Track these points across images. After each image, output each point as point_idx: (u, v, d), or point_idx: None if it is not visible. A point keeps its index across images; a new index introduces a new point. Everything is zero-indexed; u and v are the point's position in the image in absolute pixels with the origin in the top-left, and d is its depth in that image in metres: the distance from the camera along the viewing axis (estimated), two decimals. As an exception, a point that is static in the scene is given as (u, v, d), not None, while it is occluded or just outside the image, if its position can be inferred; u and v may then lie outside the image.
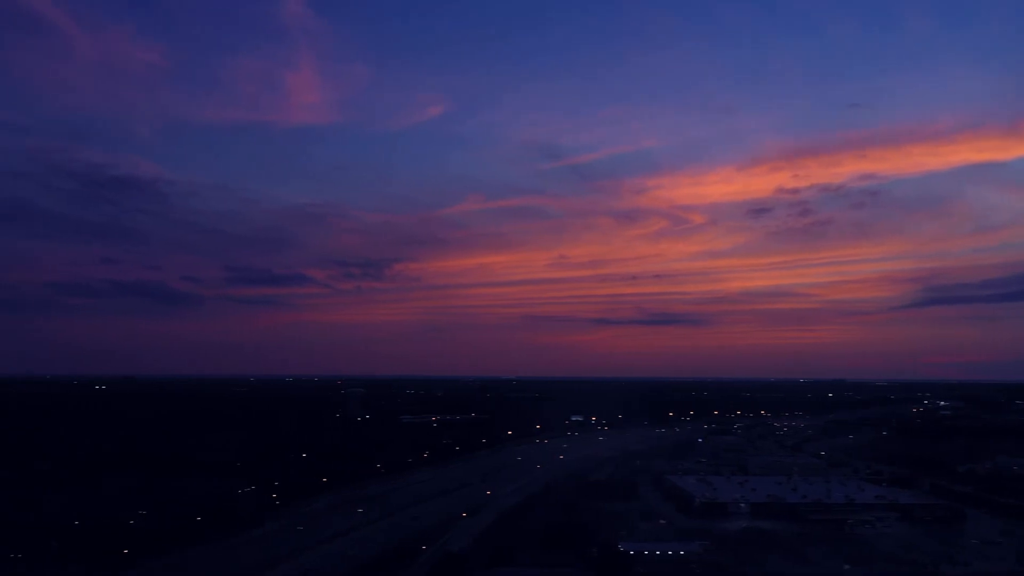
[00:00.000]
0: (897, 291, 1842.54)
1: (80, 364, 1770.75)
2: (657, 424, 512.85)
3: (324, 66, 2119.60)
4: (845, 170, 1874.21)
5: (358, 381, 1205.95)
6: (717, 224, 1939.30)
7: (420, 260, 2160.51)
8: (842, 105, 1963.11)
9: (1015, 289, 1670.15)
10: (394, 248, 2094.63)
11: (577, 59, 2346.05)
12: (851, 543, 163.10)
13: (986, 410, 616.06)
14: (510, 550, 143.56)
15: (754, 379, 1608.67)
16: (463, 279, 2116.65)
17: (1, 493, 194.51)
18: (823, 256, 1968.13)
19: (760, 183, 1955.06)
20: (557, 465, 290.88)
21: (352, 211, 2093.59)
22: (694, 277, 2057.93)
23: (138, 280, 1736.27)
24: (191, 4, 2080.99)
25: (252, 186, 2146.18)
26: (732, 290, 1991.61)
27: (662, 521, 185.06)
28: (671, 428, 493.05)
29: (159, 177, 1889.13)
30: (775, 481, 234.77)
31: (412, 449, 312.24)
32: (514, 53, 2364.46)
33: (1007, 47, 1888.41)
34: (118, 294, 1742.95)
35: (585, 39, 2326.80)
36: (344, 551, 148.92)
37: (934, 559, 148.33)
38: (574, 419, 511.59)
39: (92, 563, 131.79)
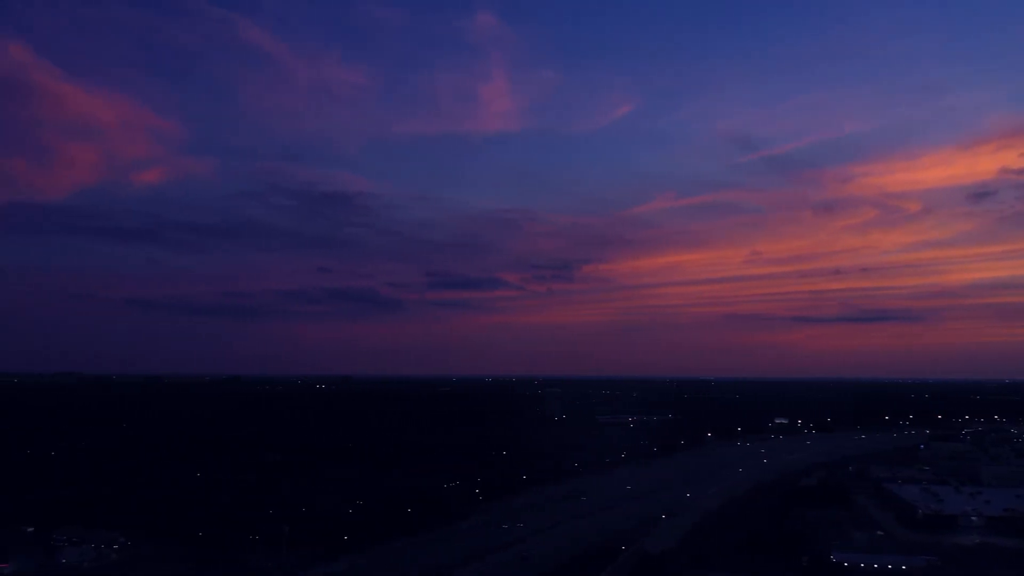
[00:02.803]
0: None
1: (303, 365, 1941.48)
2: (870, 428, 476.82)
3: (514, 74, 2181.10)
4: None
5: (554, 381, 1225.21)
6: (934, 211, 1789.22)
7: (611, 261, 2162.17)
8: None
9: None
10: (585, 249, 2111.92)
11: (770, 45, 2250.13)
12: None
13: None
14: (711, 555, 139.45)
15: (984, 380, 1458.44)
16: (655, 278, 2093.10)
17: (240, 481, 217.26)
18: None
19: (983, 164, 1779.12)
20: (761, 468, 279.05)
21: (543, 214, 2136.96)
22: (908, 270, 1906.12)
23: (350, 287, 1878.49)
24: (390, 26, 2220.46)
25: (449, 195, 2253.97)
26: (952, 283, 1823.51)
27: (880, 532, 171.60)
28: (887, 433, 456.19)
29: (364, 190, 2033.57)
30: (1014, 494, 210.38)
31: (609, 449, 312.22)
32: (704, 44, 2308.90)
33: None
34: (333, 300, 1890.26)
35: (777, 23, 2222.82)
36: (544, 548, 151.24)
37: None
38: (778, 421, 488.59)
39: (318, 548, 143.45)
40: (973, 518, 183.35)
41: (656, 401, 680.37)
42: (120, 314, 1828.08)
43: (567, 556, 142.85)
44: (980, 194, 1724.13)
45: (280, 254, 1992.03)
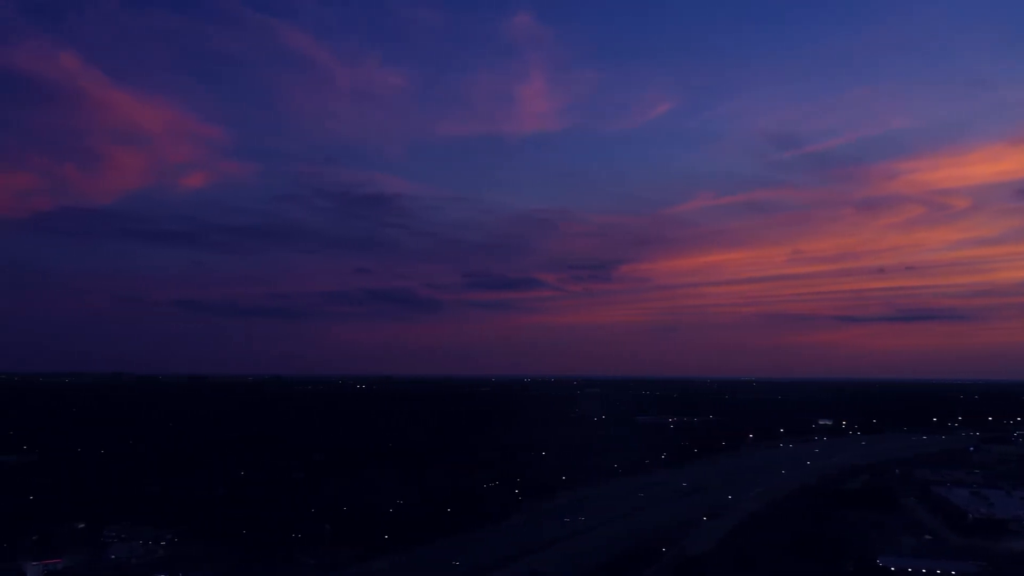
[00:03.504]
0: None
1: (344, 365, 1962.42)
2: (917, 430, 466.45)
3: (552, 74, 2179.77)
4: None
5: (593, 381, 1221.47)
6: (983, 208, 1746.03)
7: (649, 260, 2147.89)
8: None
9: None
10: (623, 249, 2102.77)
11: (812, 40, 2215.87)
12: None
13: None
14: (753, 558, 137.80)
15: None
16: (694, 278, 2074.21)
17: (283, 481, 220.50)
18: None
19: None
20: (805, 470, 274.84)
21: (581, 214, 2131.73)
22: (955, 268, 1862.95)
23: (389, 288, 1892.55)
24: (430, 29, 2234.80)
25: (487, 196, 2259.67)
26: (1003, 281, 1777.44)
27: (928, 536, 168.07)
28: (935, 434, 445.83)
29: (403, 192, 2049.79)
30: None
31: (649, 450, 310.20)
32: (743, 40, 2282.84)
33: None
34: (372, 301, 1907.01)
35: (819, 17, 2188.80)
36: (585, 548, 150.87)
37: None
38: (822, 423, 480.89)
39: (359, 547, 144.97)
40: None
41: (697, 402, 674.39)
42: (167, 315, 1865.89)
43: (606, 557, 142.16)
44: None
45: (320, 256, 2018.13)
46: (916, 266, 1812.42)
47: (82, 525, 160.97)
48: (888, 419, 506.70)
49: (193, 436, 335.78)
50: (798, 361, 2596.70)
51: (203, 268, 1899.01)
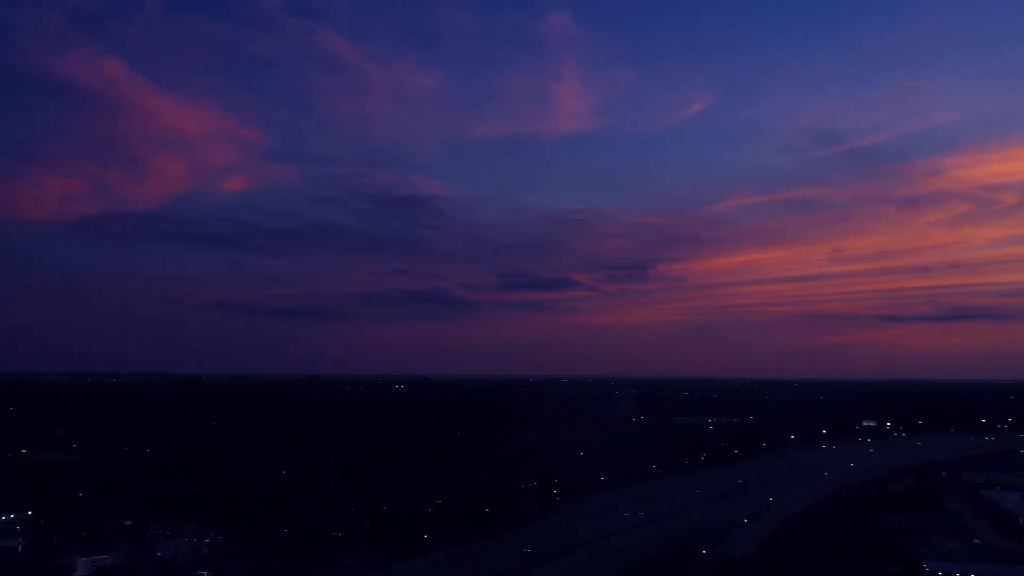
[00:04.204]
0: None
1: (382, 365, 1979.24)
2: (966, 431, 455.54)
3: (587, 74, 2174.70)
4: None
5: (631, 381, 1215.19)
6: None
7: (685, 260, 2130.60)
8: None
9: None
10: (658, 249, 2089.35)
11: (851, 33, 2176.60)
12: None
13: None
14: (794, 560, 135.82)
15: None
16: (732, 277, 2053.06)
17: (323, 480, 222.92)
18: None
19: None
20: (847, 472, 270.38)
21: (616, 214, 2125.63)
22: (1004, 265, 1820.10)
23: (425, 289, 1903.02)
24: (464, 30, 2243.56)
25: (522, 196, 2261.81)
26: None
27: (976, 541, 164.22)
28: (982, 436, 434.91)
29: (439, 193, 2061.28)
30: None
31: (688, 450, 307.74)
32: (780, 36, 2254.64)
33: None
34: (409, 302, 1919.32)
35: (858, 9, 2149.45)
36: (622, 549, 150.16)
37: None
38: (865, 424, 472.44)
39: (397, 545, 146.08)
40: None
41: (736, 402, 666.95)
42: (208, 316, 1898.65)
43: (644, 558, 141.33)
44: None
45: (358, 257, 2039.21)
46: (961, 264, 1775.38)
47: (128, 522, 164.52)
48: (933, 420, 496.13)
49: (234, 435, 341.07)
50: (840, 361, 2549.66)
51: (243, 270, 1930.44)
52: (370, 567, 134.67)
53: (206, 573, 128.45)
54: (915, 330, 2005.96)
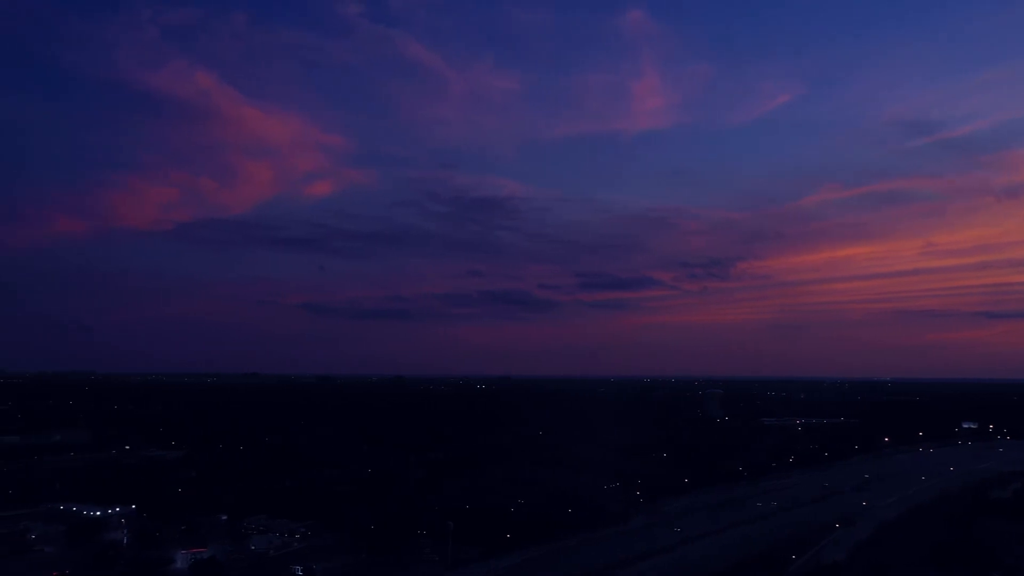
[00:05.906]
0: None
1: (463, 365, 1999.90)
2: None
3: (666, 70, 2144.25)
4: None
5: (715, 381, 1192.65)
6: None
7: (768, 257, 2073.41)
8: None
9: None
10: (740, 246, 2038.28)
11: (944, 16, 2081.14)
12: None
13: None
14: (890, 567, 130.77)
15: None
16: (819, 274, 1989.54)
17: (410, 478, 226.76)
18: None
19: None
20: (946, 476, 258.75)
21: (696, 211, 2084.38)
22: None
23: (504, 289, 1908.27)
24: (541, 30, 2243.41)
25: (600, 195, 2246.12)
26: None
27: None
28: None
29: (515, 194, 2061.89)
30: None
31: (776, 453, 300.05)
32: (866, 23, 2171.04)
33: None
34: (488, 303, 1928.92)
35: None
36: (709, 553, 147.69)
37: None
38: (966, 426, 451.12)
39: (482, 544, 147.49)
40: None
41: (826, 402, 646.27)
42: (296, 318, 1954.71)
43: (731, 562, 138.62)
44: None
45: (436, 259, 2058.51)
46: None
47: (224, 517, 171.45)
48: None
49: (321, 434, 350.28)
50: (936, 360, 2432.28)
51: (328, 273, 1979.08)
52: (457, 564, 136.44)
53: (299, 569, 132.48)
54: (1019, 327, 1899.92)
